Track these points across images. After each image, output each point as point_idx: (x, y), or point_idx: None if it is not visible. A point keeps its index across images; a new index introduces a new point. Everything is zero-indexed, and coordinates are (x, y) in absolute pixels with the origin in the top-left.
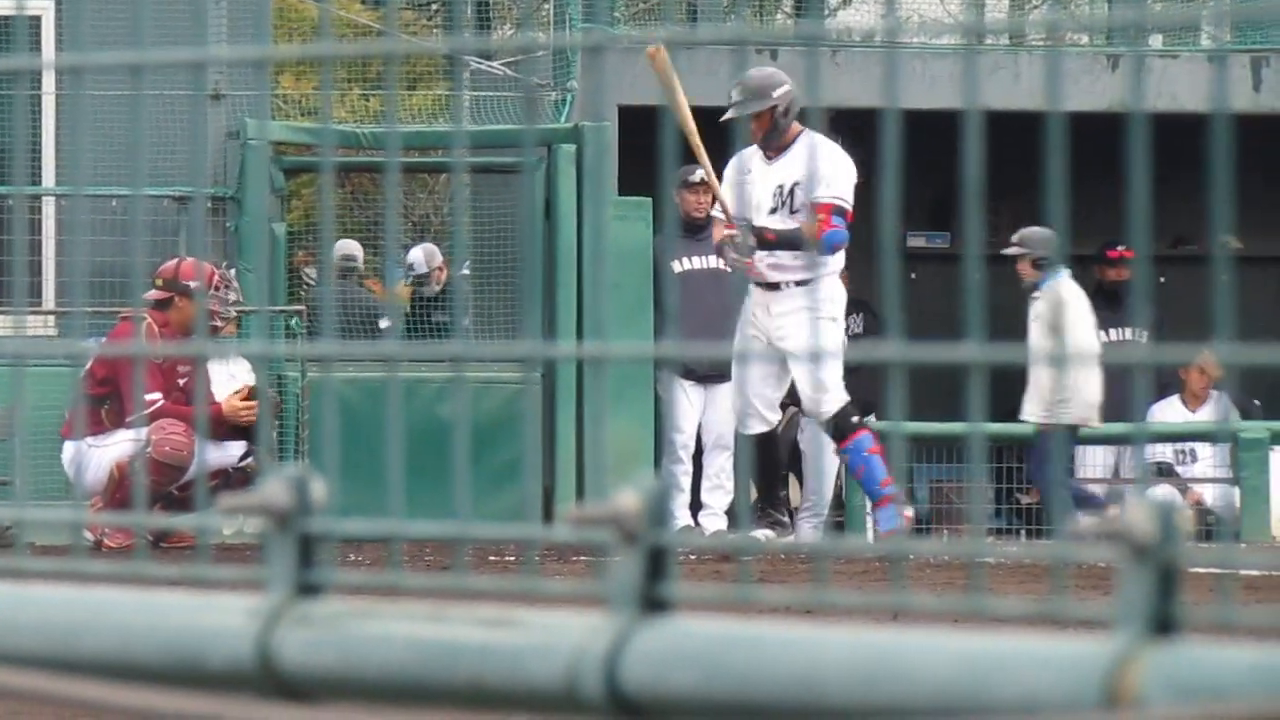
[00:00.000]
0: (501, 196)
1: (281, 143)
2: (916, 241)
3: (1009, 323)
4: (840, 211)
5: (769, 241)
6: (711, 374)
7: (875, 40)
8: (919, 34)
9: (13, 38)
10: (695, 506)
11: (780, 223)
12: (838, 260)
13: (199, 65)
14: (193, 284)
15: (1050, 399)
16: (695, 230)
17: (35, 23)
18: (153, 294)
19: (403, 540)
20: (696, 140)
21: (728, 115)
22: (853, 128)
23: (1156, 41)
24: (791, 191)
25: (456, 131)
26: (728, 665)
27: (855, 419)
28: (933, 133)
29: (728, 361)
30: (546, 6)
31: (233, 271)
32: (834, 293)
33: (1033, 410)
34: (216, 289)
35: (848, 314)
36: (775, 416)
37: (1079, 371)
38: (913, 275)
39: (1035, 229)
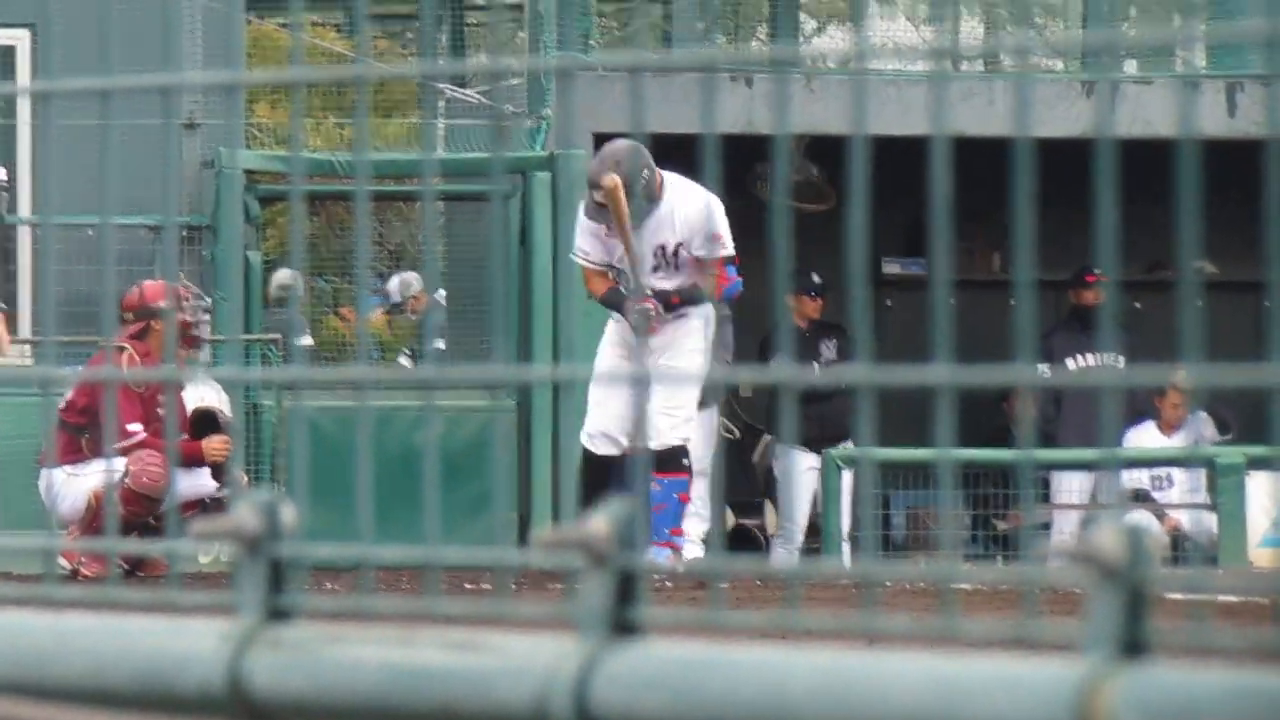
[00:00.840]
0: (477, 224)
1: (256, 171)
2: (892, 268)
3: (984, 348)
4: (730, 261)
5: (674, 305)
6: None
7: (849, 65)
8: (889, 57)
9: None
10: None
11: (669, 280)
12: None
13: (169, 90)
14: (161, 304)
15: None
16: None
17: (9, 53)
18: (131, 327)
19: (373, 565)
20: (635, 254)
21: (592, 217)
22: (826, 152)
23: (1131, 68)
24: (676, 251)
25: (428, 159)
26: (697, 688)
27: (685, 461)
28: (907, 158)
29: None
30: (521, 34)
31: (207, 301)
32: (703, 324)
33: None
34: (184, 300)
35: (822, 339)
36: (625, 441)
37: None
38: (888, 302)
39: None
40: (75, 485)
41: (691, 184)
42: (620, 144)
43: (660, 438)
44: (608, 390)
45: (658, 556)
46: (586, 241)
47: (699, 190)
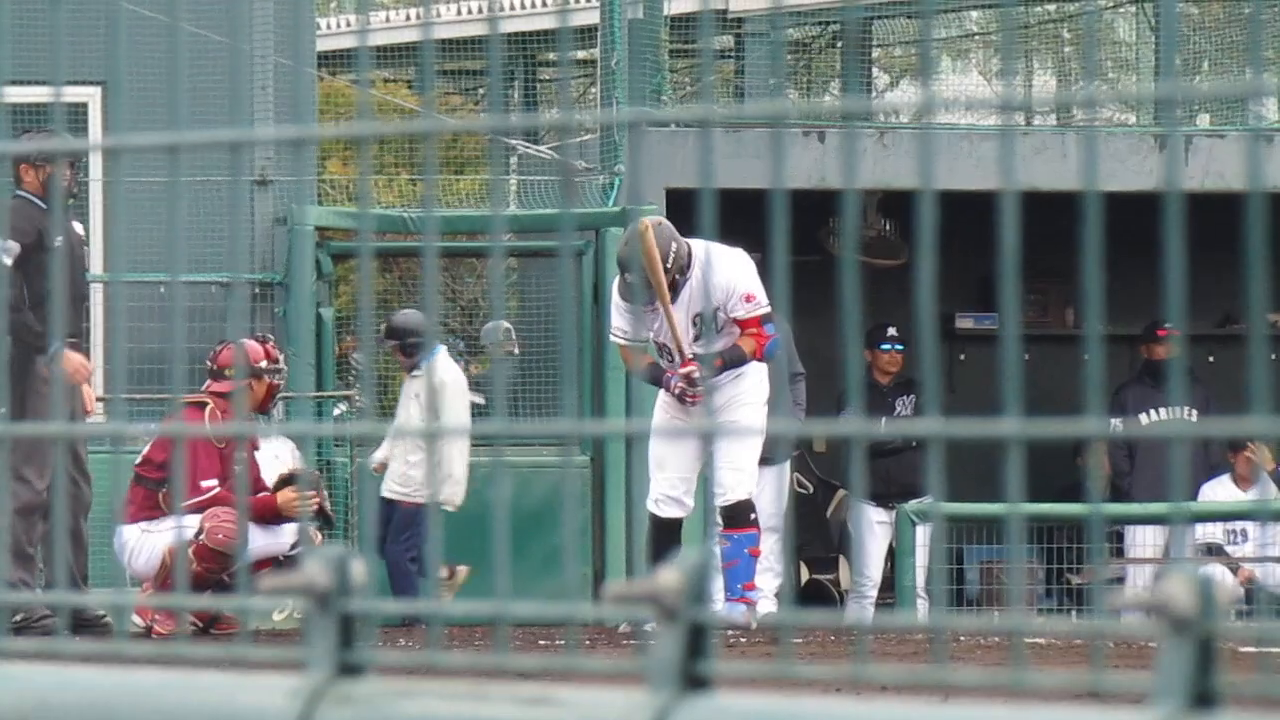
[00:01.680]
0: (550, 280)
1: (328, 228)
2: (965, 322)
3: (1059, 402)
4: (767, 319)
5: (720, 368)
6: (767, 456)
7: (921, 120)
8: (956, 110)
9: (57, 124)
10: None
11: (710, 346)
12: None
13: (237, 146)
14: (263, 363)
15: (410, 476)
16: None
17: (81, 110)
18: (224, 384)
19: (442, 620)
20: (668, 302)
21: (625, 296)
22: (899, 207)
23: (1204, 122)
24: (714, 316)
25: (496, 215)
26: None
27: (753, 515)
28: (980, 213)
29: (771, 443)
30: (593, 90)
31: (283, 357)
32: (760, 380)
33: (391, 486)
34: (274, 362)
35: (898, 395)
36: (691, 502)
37: (450, 449)
38: (961, 356)
39: (401, 314)
40: (150, 541)
41: (719, 246)
42: (647, 219)
43: (727, 494)
44: (666, 453)
45: (733, 612)
46: (622, 320)
47: (726, 251)
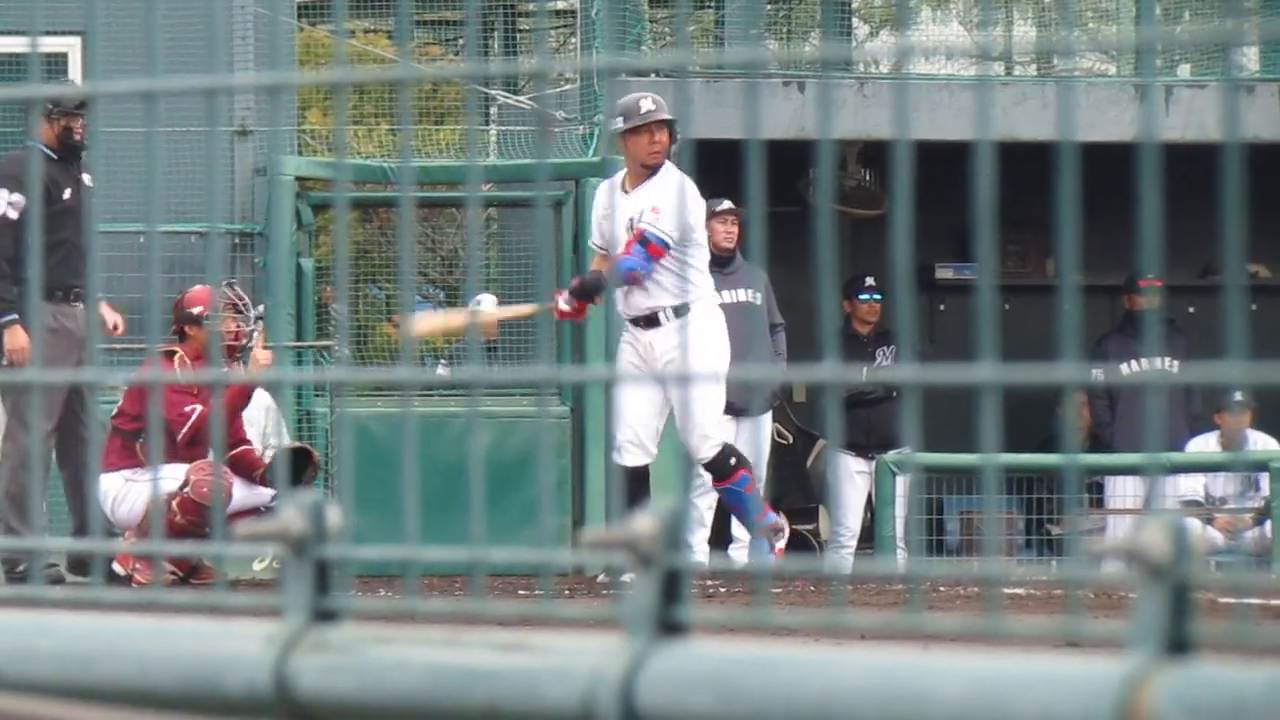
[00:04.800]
0: (529, 230)
1: (308, 178)
2: (945, 273)
3: (1039, 352)
4: (644, 240)
5: (578, 288)
6: (743, 406)
7: (900, 70)
8: (934, 57)
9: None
10: (726, 539)
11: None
12: (706, 286)
13: (213, 92)
14: (196, 309)
15: None
16: (723, 263)
17: (60, 60)
18: (174, 331)
19: (418, 567)
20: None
21: (650, 118)
22: (880, 157)
23: (1185, 71)
24: (629, 224)
25: (472, 165)
26: (743, 688)
27: (733, 460)
28: (959, 163)
29: (748, 394)
30: (573, 40)
31: (259, 309)
32: (709, 321)
33: None
34: (230, 308)
35: (878, 346)
36: (655, 449)
37: None
38: (941, 307)
39: None
40: (134, 490)
41: (681, 176)
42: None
43: (698, 456)
44: (629, 401)
45: (759, 549)
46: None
47: (683, 179)
